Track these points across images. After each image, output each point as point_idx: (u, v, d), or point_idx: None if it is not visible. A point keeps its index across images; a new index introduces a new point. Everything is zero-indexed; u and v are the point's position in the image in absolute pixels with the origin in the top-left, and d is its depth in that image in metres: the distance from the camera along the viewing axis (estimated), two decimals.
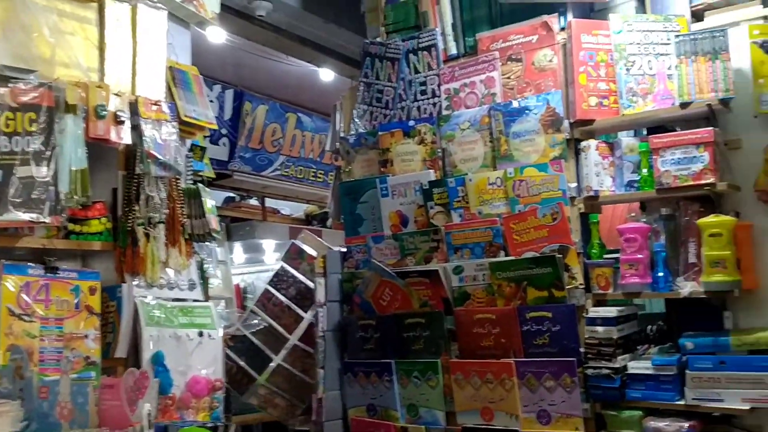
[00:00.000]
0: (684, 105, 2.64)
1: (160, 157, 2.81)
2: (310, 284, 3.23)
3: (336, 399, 3.14)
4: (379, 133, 3.27)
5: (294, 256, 3.36)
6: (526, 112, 2.91)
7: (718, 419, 2.58)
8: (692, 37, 2.64)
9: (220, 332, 2.94)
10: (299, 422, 3.25)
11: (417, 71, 3.25)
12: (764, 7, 2.68)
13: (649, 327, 3.06)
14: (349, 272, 3.22)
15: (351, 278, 3.20)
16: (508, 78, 3.02)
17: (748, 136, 2.66)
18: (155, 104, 2.86)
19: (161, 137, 2.83)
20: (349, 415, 3.13)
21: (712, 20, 2.75)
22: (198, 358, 2.81)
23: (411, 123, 3.20)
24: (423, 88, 3.23)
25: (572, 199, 2.83)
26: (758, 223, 2.59)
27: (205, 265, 3.03)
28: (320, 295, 3.14)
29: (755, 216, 2.61)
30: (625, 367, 2.65)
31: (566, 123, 2.85)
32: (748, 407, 2.42)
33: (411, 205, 3.13)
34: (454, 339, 2.93)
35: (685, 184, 2.59)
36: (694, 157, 2.57)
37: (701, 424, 2.53)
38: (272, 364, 3.23)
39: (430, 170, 3.12)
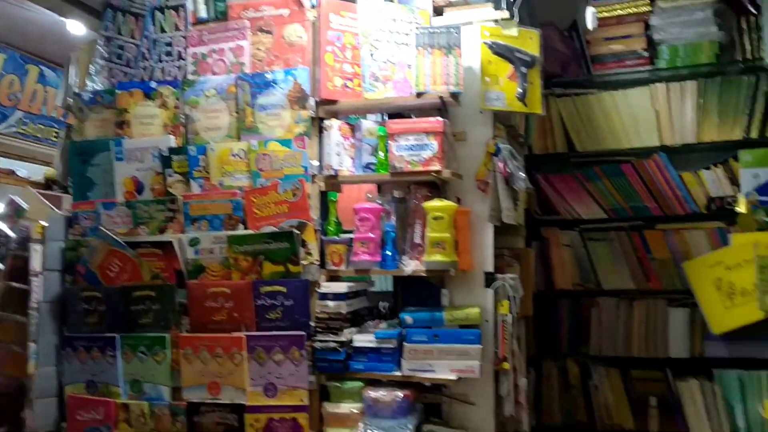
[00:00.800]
0: (419, 94, 2.77)
1: None
2: None
3: (51, 375, 2.89)
4: (117, 91, 3.04)
5: (10, 213, 3.03)
6: (274, 85, 2.88)
7: (429, 389, 2.77)
8: (431, 30, 2.76)
9: None
10: None
11: (163, 30, 3.07)
12: (496, 9, 2.91)
13: (382, 303, 3.21)
14: (74, 240, 2.97)
15: (76, 246, 2.95)
16: (258, 49, 2.96)
17: (473, 129, 2.87)
18: None
19: None
20: (66, 392, 2.90)
21: (450, 17, 2.91)
22: None
23: (153, 84, 3.01)
24: (168, 49, 3.06)
25: (313, 176, 2.85)
26: (476, 209, 2.81)
27: None
28: (36, 263, 2.87)
29: (474, 203, 2.83)
30: (350, 341, 2.75)
31: (312, 101, 2.86)
32: (455, 377, 2.62)
33: (148, 172, 2.96)
34: (186, 313, 2.84)
35: (415, 169, 2.72)
36: (425, 144, 2.71)
37: (414, 393, 2.71)
38: None
39: (171, 136, 2.96)
